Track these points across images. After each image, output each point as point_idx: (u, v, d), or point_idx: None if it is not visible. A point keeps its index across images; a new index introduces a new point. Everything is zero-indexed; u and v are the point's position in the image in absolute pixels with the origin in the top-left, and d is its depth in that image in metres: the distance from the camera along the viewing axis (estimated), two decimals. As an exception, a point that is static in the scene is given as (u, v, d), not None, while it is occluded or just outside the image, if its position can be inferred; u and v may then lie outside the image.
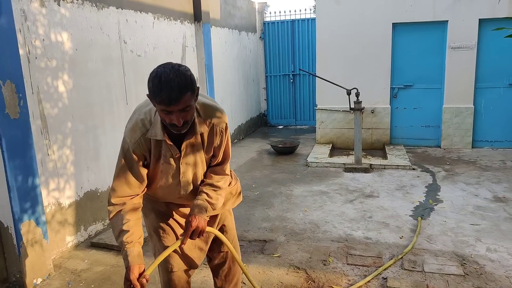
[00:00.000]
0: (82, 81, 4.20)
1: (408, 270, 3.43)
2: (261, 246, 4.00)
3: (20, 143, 3.31)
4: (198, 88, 1.93)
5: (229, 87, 8.68)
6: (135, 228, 2.00)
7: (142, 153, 2.02)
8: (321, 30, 7.77)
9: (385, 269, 3.44)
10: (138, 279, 1.90)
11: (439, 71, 7.41)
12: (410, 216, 4.57)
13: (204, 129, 2.06)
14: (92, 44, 4.37)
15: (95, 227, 4.40)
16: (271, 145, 7.90)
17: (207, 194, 2.15)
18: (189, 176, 2.15)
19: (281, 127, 10.89)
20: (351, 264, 3.58)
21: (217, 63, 7.92)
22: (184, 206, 2.31)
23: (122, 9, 4.88)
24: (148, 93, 1.86)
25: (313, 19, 9.85)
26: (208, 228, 2.17)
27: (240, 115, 9.39)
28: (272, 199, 5.27)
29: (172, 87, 1.77)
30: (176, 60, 6.24)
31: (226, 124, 2.16)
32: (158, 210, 2.32)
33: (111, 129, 4.65)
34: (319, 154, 7.26)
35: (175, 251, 2.20)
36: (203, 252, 2.40)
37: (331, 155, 7.38)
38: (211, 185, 2.19)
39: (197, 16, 6.95)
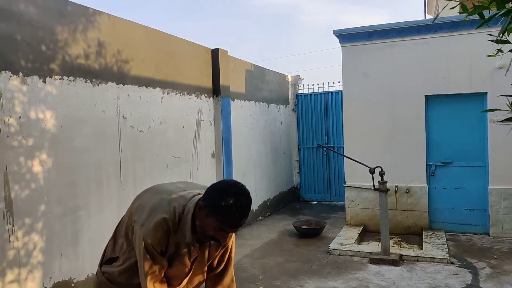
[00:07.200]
0: (65, 159, 3.95)
1: None
2: None
3: (-27, 230, 3.00)
4: None
5: (253, 160, 8.25)
6: None
7: (161, 248, 2.00)
8: (348, 104, 7.32)
9: None
10: None
11: (481, 147, 6.59)
12: (438, 329, 3.70)
13: None
14: (83, 121, 4.17)
15: (68, 322, 3.92)
16: (294, 226, 7.22)
17: None
18: (194, 276, 2.21)
19: (315, 202, 10.19)
20: None
21: (240, 136, 7.62)
22: None
23: (123, 85, 4.73)
24: (205, 202, 1.86)
25: (346, 91, 9.48)
26: None
27: (267, 189, 8.85)
28: (277, 294, 4.57)
29: (246, 215, 1.85)
30: (188, 134, 5.98)
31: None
32: None
33: (97, 210, 4.30)
34: (345, 238, 6.49)
35: None
36: None
37: (360, 240, 6.59)
38: None
39: (216, 90, 6.79)
